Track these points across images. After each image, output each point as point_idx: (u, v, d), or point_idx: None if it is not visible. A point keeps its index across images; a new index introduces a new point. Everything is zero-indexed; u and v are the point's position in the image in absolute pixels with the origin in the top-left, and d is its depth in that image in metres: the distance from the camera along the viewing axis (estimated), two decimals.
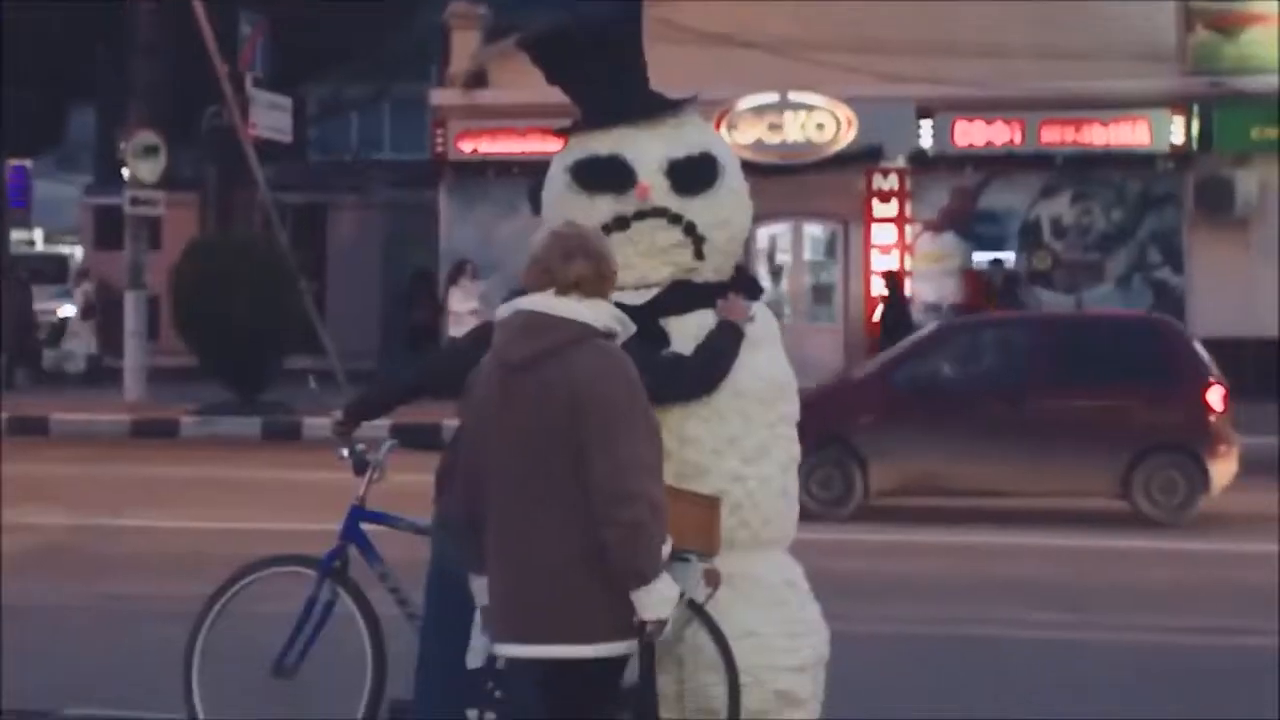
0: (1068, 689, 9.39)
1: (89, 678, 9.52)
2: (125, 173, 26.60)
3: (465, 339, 7.19)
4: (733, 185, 7.40)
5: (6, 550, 13.39)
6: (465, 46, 28.88)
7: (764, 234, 27.56)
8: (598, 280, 5.56)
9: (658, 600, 5.38)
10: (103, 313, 31.34)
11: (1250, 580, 12.56)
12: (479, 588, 5.72)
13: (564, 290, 5.49)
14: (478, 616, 6.93)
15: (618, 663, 5.50)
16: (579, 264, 5.53)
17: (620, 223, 7.17)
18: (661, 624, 5.43)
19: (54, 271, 41.03)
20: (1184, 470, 15.64)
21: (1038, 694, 9.26)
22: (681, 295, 7.22)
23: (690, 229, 7.21)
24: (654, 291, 7.22)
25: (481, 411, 5.52)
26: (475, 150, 28.45)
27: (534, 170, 7.64)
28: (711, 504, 6.95)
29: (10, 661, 9.71)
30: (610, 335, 5.55)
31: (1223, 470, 15.76)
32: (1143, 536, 14.78)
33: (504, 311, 5.61)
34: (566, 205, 7.29)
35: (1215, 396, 15.85)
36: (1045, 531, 15.13)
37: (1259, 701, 8.92)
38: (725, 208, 7.33)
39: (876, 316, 25.99)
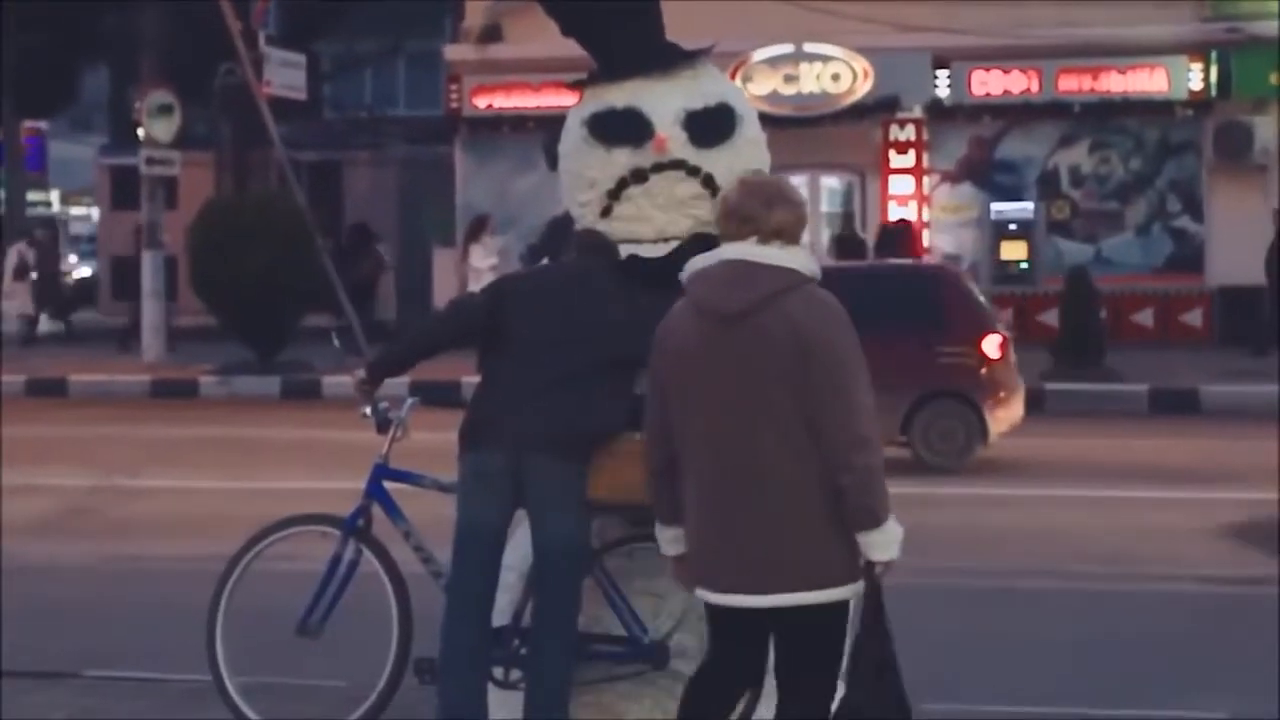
0: None
1: (111, 639, 9.52)
2: (140, 133, 26.55)
3: (482, 294, 7.15)
4: (751, 136, 7.34)
5: (27, 512, 13.40)
6: (479, 1, 28.77)
7: None
8: (797, 227, 5.57)
9: (890, 540, 5.38)
10: (41, 275, 31.27)
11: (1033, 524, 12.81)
12: (671, 538, 5.70)
13: (766, 238, 5.49)
14: (504, 578, 6.92)
15: (845, 606, 5.52)
16: (780, 211, 5.54)
17: (638, 175, 7.12)
18: (889, 565, 5.42)
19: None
20: (962, 418, 15.73)
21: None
22: (701, 249, 7.16)
23: (709, 181, 7.15)
24: (673, 245, 7.17)
25: (684, 363, 5.47)
26: (490, 105, 28.36)
27: (549, 125, 7.61)
28: None
29: (31, 623, 9.72)
30: (815, 281, 5.52)
31: (1001, 417, 15.86)
32: (925, 483, 14.50)
33: (702, 262, 5.58)
34: (583, 158, 7.25)
35: (991, 345, 15.89)
36: None
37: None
38: (744, 159, 7.27)
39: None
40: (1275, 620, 9.37)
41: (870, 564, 5.39)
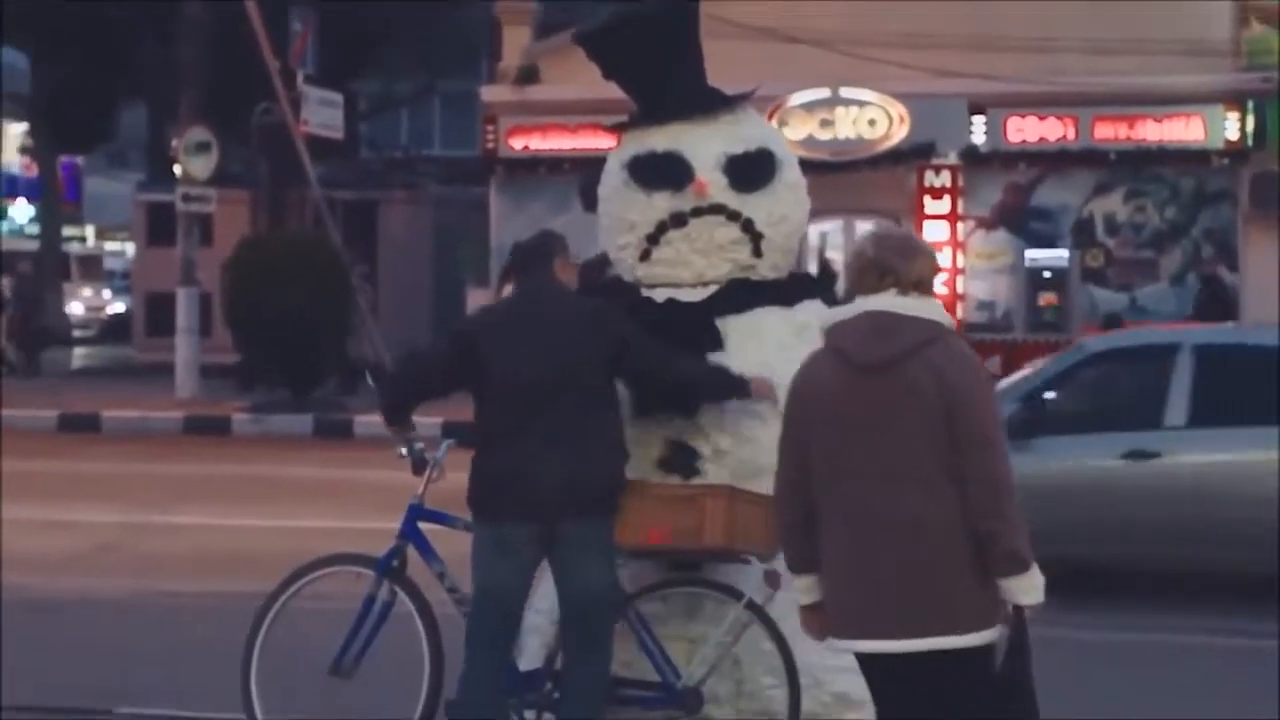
0: None
1: (142, 676, 9.50)
2: (177, 169, 26.65)
3: (448, 337, 7.13)
4: (790, 181, 7.36)
5: (59, 548, 13.42)
6: (516, 42, 28.81)
7: (815, 231, 27.41)
8: (933, 277, 5.66)
9: (1036, 584, 5.47)
10: (22, 310, 31.33)
11: None
12: (805, 586, 5.70)
13: (905, 289, 5.56)
14: (530, 618, 6.90)
15: (991, 650, 5.54)
16: (919, 262, 5.62)
17: (678, 219, 7.14)
18: (1037, 609, 5.49)
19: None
20: None
21: None
22: (740, 294, 7.17)
23: (748, 226, 7.18)
24: (711, 289, 7.17)
25: (828, 414, 5.53)
26: (526, 147, 28.39)
27: (585, 167, 7.63)
28: (770, 504, 6.89)
29: (64, 659, 9.72)
30: (952, 331, 5.64)
31: None
32: None
33: (842, 314, 5.63)
34: (624, 201, 7.26)
35: None
36: None
37: None
38: (783, 204, 7.29)
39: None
40: None
41: (1018, 608, 5.48)
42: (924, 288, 5.61)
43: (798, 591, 5.76)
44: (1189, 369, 11.97)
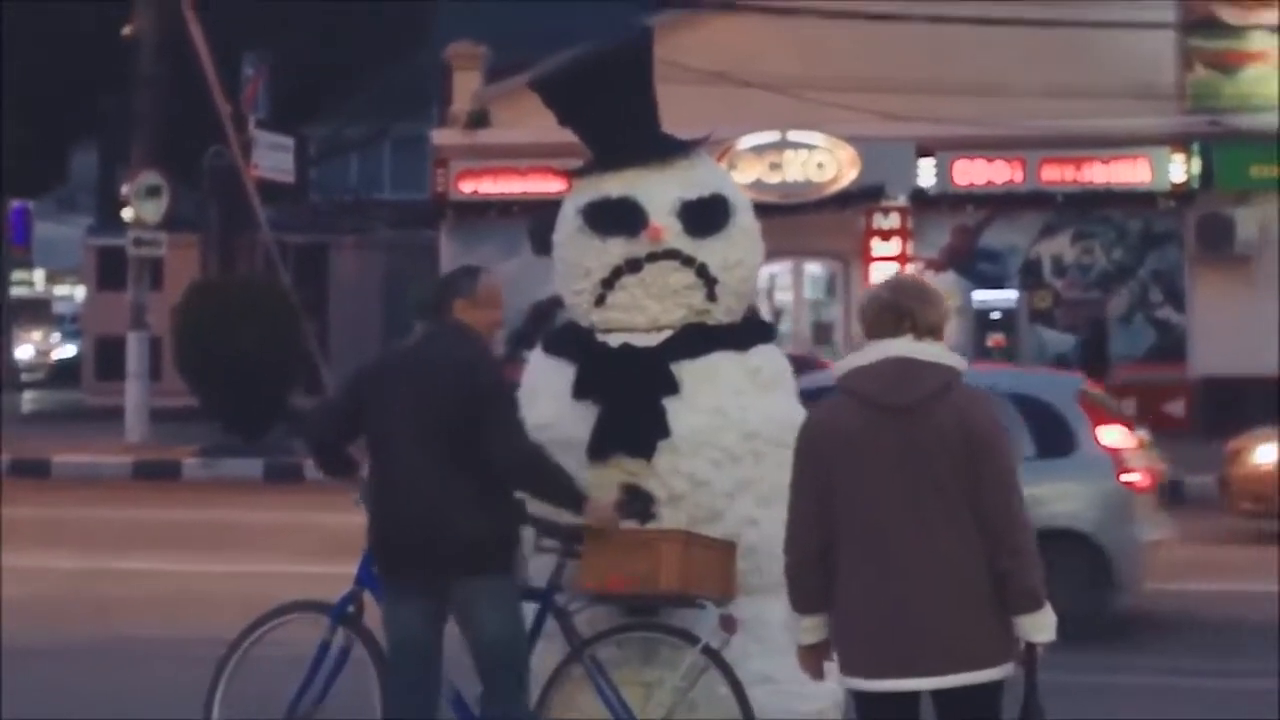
0: None
1: None
2: (127, 213, 26.57)
3: (340, 392, 7.15)
4: (744, 226, 7.41)
5: (11, 595, 13.34)
6: (467, 86, 28.88)
7: (764, 273, 27.48)
8: (945, 323, 5.86)
9: (1049, 622, 5.63)
10: None
11: None
12: (810, 626, 5.75)
13: (921, 335, 5.74)
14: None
15: (1001, 686, 5.66)
16: (934, 308, 5.81)
17: (633, 265, 7.18)
18: (1048, 645, 5.65)
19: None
20: None
21: None
22: (694, 338, 7.21)
23: (703, 271, 7.22)
24: (666, 334, 7.21)
25: (851, 455, 5.64)
26: (476, 191, 28.43)
27: (535, 210, 7.65)
28: (727, 549, 6.93)
29: (18, 705, 9.65)
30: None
31: None
32: None
33: (860, 360, 5.76)
34: (578, 247, 7.30)
35: None
36: None
37: None
38: (737, 249, 7.34)
39: None
40: None
41: (1030, 645, 5.63)
42: (938, 333, 5.78)
43: (800, 631, 5.82)
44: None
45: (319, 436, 7.08)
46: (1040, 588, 5.60)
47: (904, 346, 5.73)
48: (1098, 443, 11.94)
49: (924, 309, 5.79)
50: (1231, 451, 17.31)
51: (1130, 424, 12.64)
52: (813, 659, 5.83)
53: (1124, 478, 11.89)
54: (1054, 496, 11.38)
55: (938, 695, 5.62)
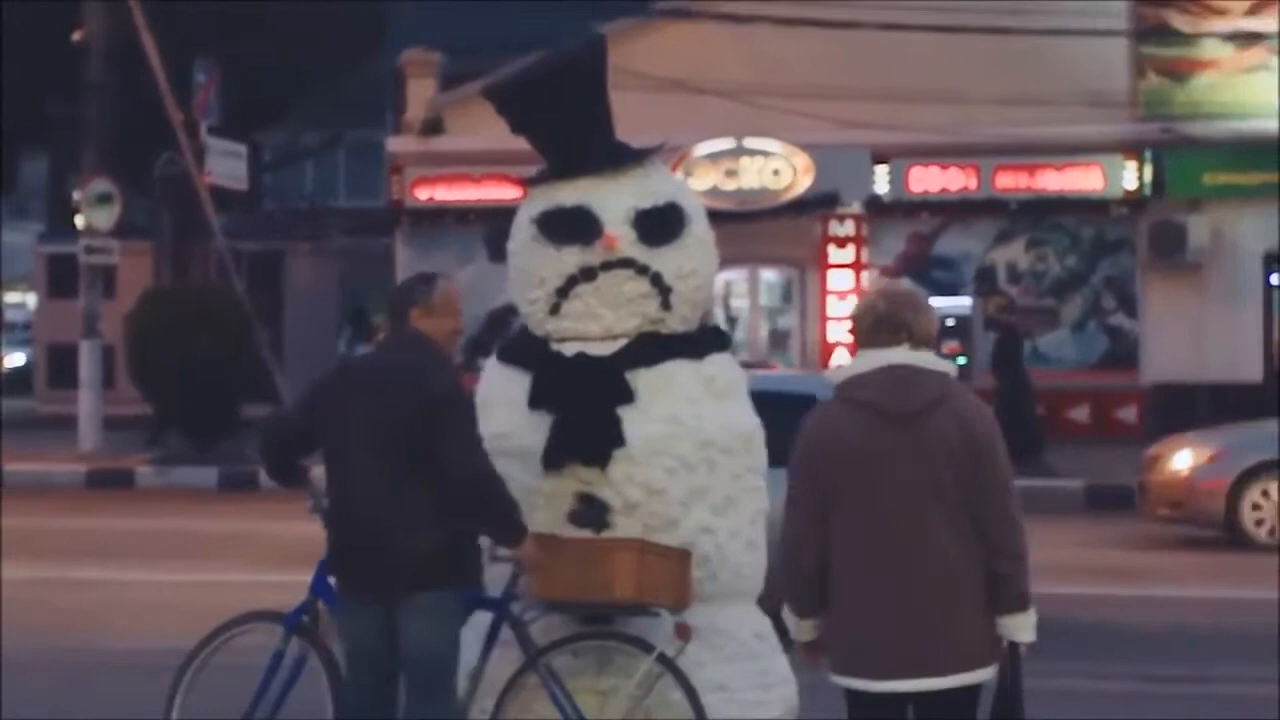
0: None
1: None
2: (79, 221, 26.45)
3: (297, 403, 7.12)
4: (699, 235, 7.41)
5: None
6: (421, 93, 28.84)
7: (720, 280, 27.51)
8: (936, 332, 6.02)
9: (1032, 622, 5.85)
10: None
11: None
12: (809, 627, 5.87)
13: (917, 344, 5.89)
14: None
15: (982, 687, 5.85)
16: (927, 318, 5.97)
17: (587, 274, 7.18)
18: (1029, 645, 5.87)
19: None
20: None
21: None
22: (649, 347, 7.21)
23: (657, 279, 7.22)
24: (621, 343, 7.20)
25: (852, 463, 5.78)
26: (431, 198, 28.39)
27: (491, 217, 7.68)
28: (682, 557, 6.94)
29: None
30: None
31: None
32: None
33: (857, 369, 5.88)
34: (532, 256, 7.29)
35: None
36: None
37: None
38: (692, 258, 7.34)
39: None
40: None
41: (1014, 645, 5.83)
42: (932, 343, 5.92)
43: (798, 630, 5.93)
44: None
45: (272, 447, 7.06)
46: (1028, 587, 5.80)
47: (901, 355, 5.86)
48: None
49: (919, 319, 5.93)
50: (1149, 458, 17.53)
51: None
52: (812, 653, 5.97)
53: None
54: None
55: (920, 697, 5.77)
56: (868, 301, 6.05)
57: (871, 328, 5.94)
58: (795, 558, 5.86)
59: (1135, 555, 16.23)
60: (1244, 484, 16.58)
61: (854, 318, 6.05)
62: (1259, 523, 16.50)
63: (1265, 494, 16.52)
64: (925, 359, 5.89)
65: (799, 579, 5.87)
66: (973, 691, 5.82)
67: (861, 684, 5.80)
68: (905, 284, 6.38)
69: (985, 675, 5.84)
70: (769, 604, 6.87)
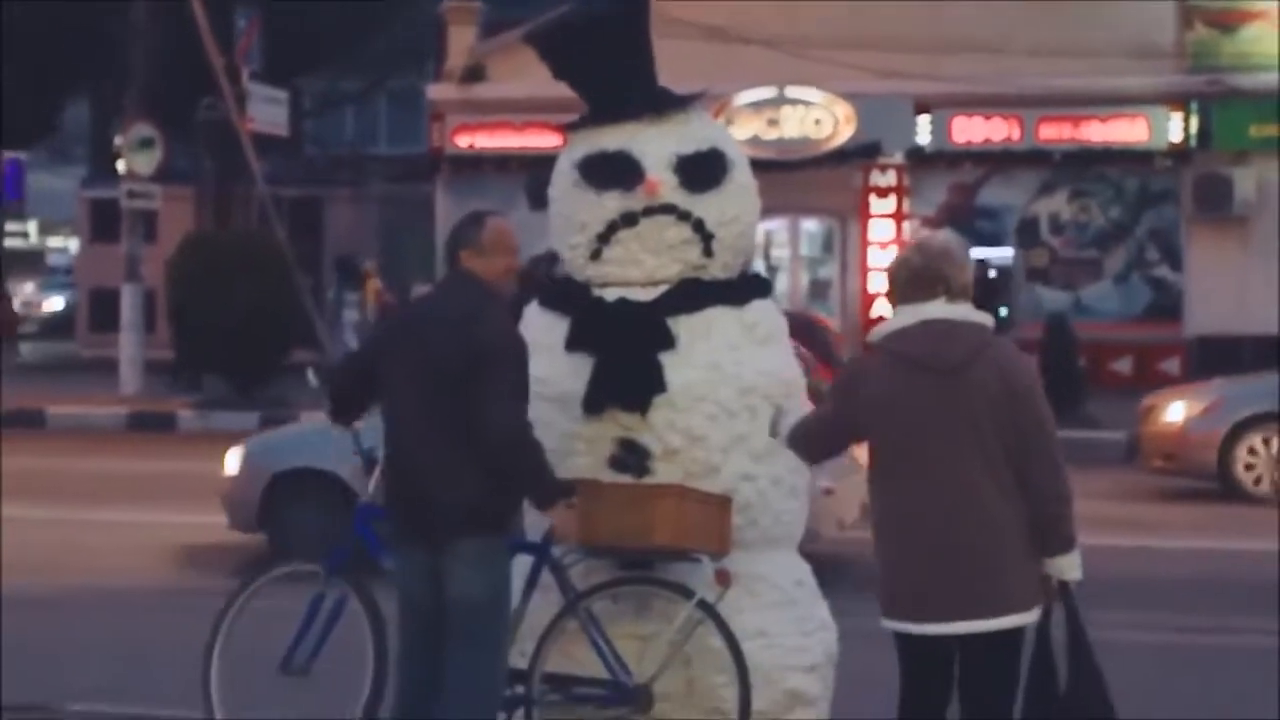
0: None
1: (92, 674, 9.46)
2: (121, 166, 26.51)
3: (361, 345, 7.05)
4: (741, 182, 7.37)
5: (6, 544, 13.33)
6: (462, 41, 28.80)
7: (760, 230, 27.44)
8: (972, 284, 6.11)
9: (1079, 561, 6.03)
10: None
11: None
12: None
13: (954, 297, 5.99)
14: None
15: (1025, 630, 6.02)
16: (966, 270, 6.08)
17: (628, 219, 7.14)
18: (1078, 584, 6.04)
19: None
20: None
21: None
22: (690, 294, 7.18)
23: (699, 226, 7.18)
24: (662, 289, 7.18)
25: (894, 415, 5.95)
26: (472, 145, 28.38)
27: (531, 165, 7.61)
28: (722, 503, 6.92)
29: (12, 657, 9.65)
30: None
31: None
32: None
33: (899, 323, 6.01)
34: (573, 201, 7.25)
35: None
36: None
37: None
38: (734, 204, 7.30)
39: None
40: None
41: (1065, 584, 6.00)
42: (968, 294, 6.01)
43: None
44: None
45: (336, 389, 7.04)
46: (1073, 528, 5.97)
47: (940, 309, 5.96)
48: None
49: (956, 272, 6.02)
50: (1145, 409, 17.53)
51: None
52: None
53: None
54: None
55: (967, 640, 5.93)
56: (903, 256, 6.11)
57: (908, 282, 6.02)
58: (808, 442, 6.37)
59: (1129, 506, 16.21)
60: (1237, 436, 16.59)
61: (890, 272, 6.12)
62: (1252, 473, 16.51)
63: (1264, 443, 16.51)
64: (962, 311, 5.98)
65: (811, 453, 6.49)
66: (1017, 634, 5.95)
67: (909, 627, 5.97)
68: (942, 235, 6.31)
69: (1030, 618, 5.97)
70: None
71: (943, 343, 5.92)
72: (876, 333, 6.10)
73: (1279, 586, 11.42)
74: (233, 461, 13.34)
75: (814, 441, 6.39)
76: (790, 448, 6.53)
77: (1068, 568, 5.99)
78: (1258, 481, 16.51)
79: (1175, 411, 17.02)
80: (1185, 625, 10.81)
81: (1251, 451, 16.56)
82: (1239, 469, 16.57)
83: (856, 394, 6.08)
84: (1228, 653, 10.19)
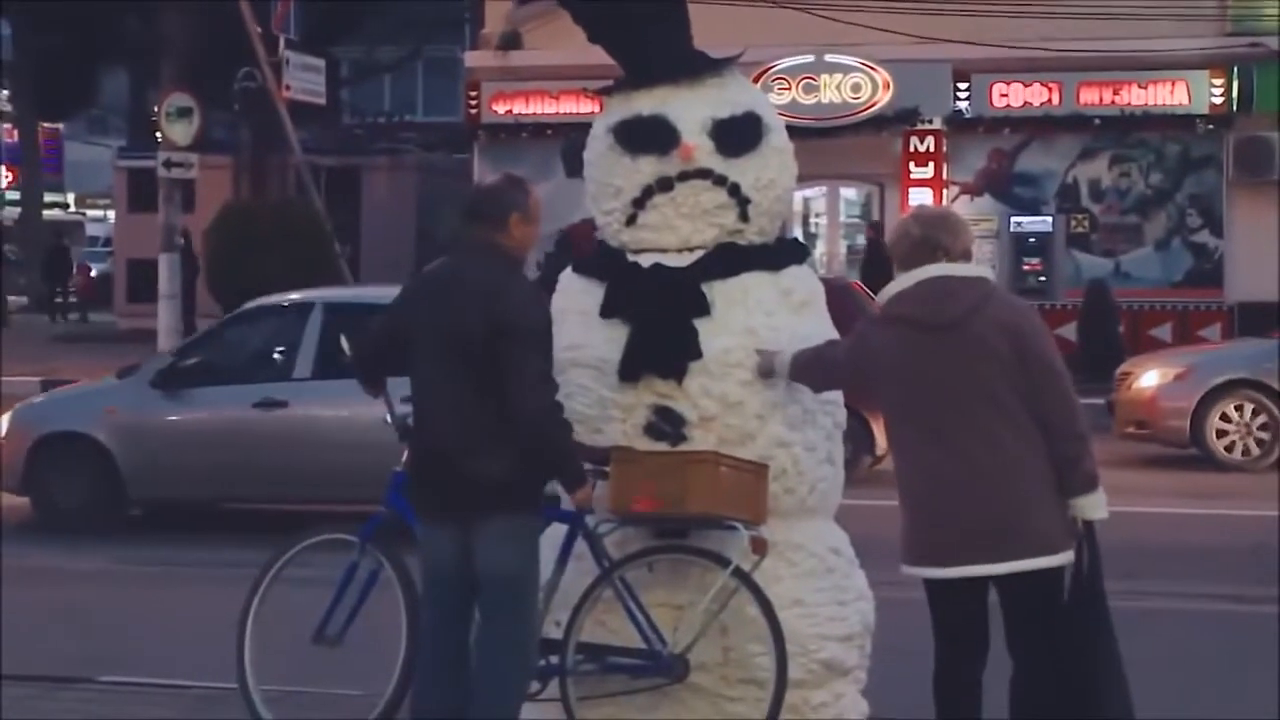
0: None
1: (120, 643, 9.44)
2: (158, 135, 26.53)
3: (386, 315, 6.92)
4: (777, 145, 7.28)
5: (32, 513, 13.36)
6: (499, 8, 28.71)
7: (799, 196, 27.37)
8: (972, 247, 6.32)
9: (1103, 500, 6.14)
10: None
11: None
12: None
13: (954, 259, 6.19)
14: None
15: (1063, 571, 6.12)
16: (964, 237, 6.27)
17: (664, 184, 7.06)
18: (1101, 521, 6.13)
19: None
20: (849, 431, 15.51)
21: None
22: (726, 259, 7.10)
23: (735, 190, 7.10)
24: (698, 254, 7.10)
25: (901, 376, 6.15)
26: (509, 112, 28.30)
27: (568, 132, 7.51)
28: (758, 470, 6.85)
29: (39, 627, 9.65)
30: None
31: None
32: None
33: (899, 285, 6.22)
34: (609, 166, 7.18)
35: None
36: None
37: None
38: (770, 168, 7.22)
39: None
40: None
41: (1089, 524, 6.09)
42: (968, 258, 6.19)
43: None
44: (318, 326, 12.97)
45: (362, 356, 6.98)
46: (1094, 467, 6.09)
47: (942, 269, 6.14)
48: None
49: (953, 239, 6.20)
50: (1120, 375, 17.44)
51: None
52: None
53: None
54: None
55: (1005, 583, 6.05)
56: (903, 227, 6.32)
57: (909, 252, 6.22)
58: (827, 368, 6.65)
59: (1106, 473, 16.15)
60: (1209, 403, 16.49)
61: (891, 244, 6.32)
62: (1224, 441, 16.42)
63: (1235, 409, 16.41)
64: (961, 268, 6.17)
65: (818, 380, 6.75)
66: (1054, 575, 6.06)
67: (934, 572, 6.11)
68: (939, 206, 6.45)
69: (1064, 559, 6.06)
70: None
71: (941, 299, 6.09)
72: (881, 297, 6.30)
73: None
74: (3, 423, 13.74)
75: (823, 370, 6.66)
76: (794, 378, 6.74)
77: (1090, 507, 6.08)
78: (1230, 448, 16.47)
79: (1148, 378, 16.95)
80: (1152, 590, 10.70)
81: (1224, 418, 16.51)
82: (1211, 436, 16.50)
83: (869, 346, 6.34)
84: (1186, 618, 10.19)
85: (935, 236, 6.20)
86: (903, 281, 6.21)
